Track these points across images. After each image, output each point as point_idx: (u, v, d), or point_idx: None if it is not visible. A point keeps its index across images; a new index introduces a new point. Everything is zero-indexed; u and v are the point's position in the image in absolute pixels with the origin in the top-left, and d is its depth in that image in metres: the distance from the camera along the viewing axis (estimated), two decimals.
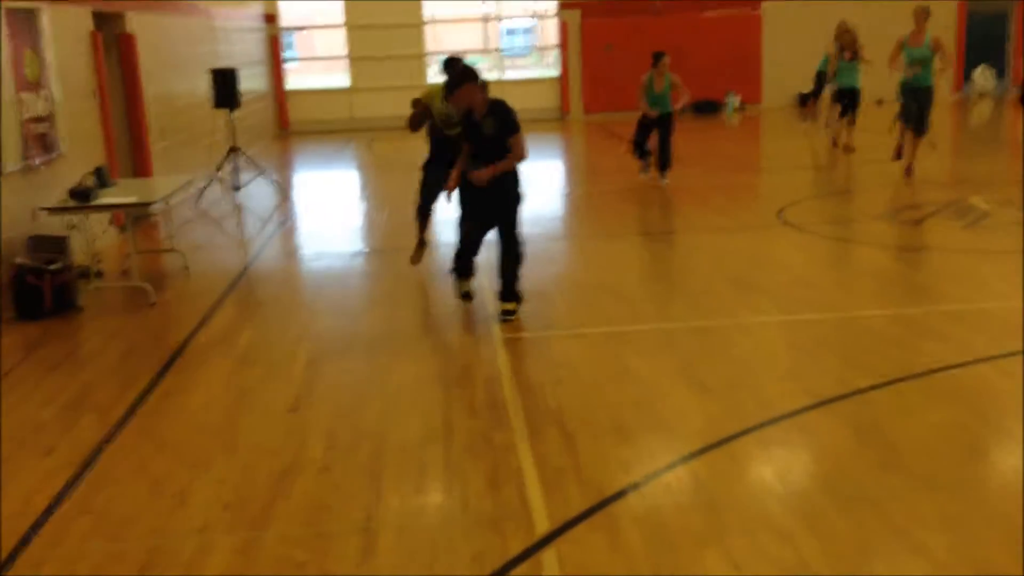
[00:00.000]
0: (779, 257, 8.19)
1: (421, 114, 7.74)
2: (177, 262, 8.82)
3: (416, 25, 21.39)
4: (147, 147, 11.47)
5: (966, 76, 21.76)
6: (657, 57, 11.65)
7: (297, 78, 22.32)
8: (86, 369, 6.12)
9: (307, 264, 9.20)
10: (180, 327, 6.98)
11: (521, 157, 6.48)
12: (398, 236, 10.04)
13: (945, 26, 20.72)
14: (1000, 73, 22.04)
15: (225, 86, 12.40)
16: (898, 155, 11.64)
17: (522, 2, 30.70)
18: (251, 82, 16.73)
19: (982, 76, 21.58)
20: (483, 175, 6.36)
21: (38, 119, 8.32)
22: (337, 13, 21.38)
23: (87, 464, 4.68)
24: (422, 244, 8.14)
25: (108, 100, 10.26)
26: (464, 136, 6.56)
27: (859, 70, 13.93)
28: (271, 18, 20.70)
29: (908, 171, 11.24)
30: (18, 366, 6.21)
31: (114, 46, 10.94)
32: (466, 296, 6.93)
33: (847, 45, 13.87)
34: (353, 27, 21.20)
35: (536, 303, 6.85)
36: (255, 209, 12.06)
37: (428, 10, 21.70)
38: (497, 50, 35.24)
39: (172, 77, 12.85)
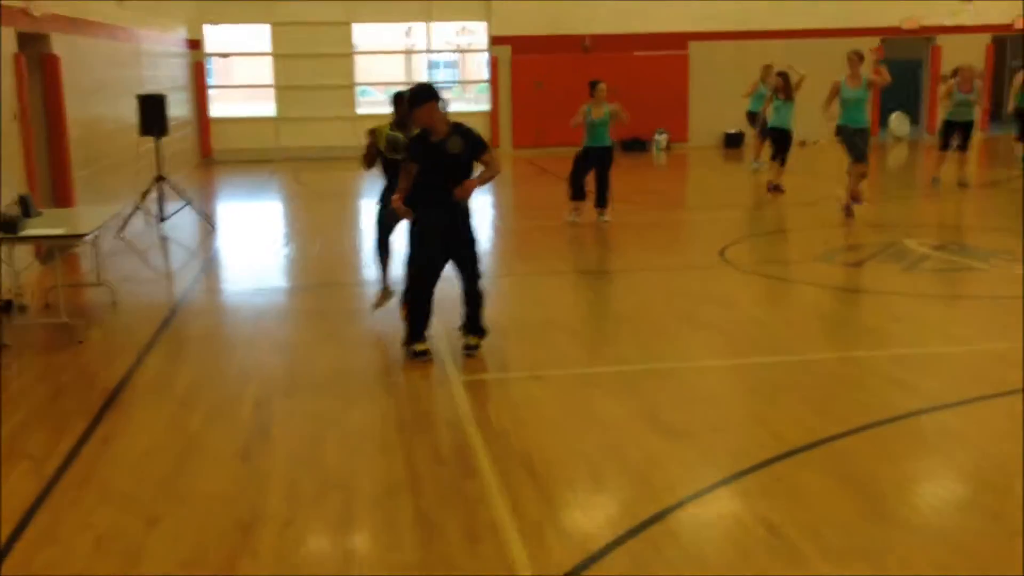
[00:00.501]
0: (727, 296, 8.18)
1: (371, 146, 7.55)
2: (104, 297, 8.40)
3: (345, 55, 21.16)
4: (69, 175, 10.98)
5: (882, 122, 22.43)
6: (593, 85, 11.60)
7: (220, 106, 21.83)
8: (14, 413, 5.70)
9: (242, 299, 8.84)
10: (113, 366, 6.59)
11: (497, 171, 6.44)
12: (334, 270, 9.82)
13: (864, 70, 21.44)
14: (914, 120, 22.80)
15: (152, 112, 11.97)
16: (848, 210, 11.71)
17: (454, 36, 30.82)
18: (174, 109, 16.25)
19: (898, 122, 22.27)
20: (468, 187, 6.19)
21: None
22: (264, 41, 21.02)
23: (24, 521, 4.31)
24: (386, 291, 7.79)
25: (30, 125, 9.80)
26: (417, 159, 6.34)
27: (792, 111, 14.19)
28: (195, 44, 20.24)
29: (853, 200, 11.48)
30: None
31: (37, 68, 10.47)
32: (423, 355, 6.46)
33: (779, 87, 14.13)
34: (280, 56, 20.86)
35: (490, 342, 6.66)
36: (182, 241, 11.63)
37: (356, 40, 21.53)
38: (385, 84, 35.02)
39: (96, 101, 12.39)
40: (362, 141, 7.55)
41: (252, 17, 20.67)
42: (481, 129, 23.19)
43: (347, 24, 20.97)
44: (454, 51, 35.87)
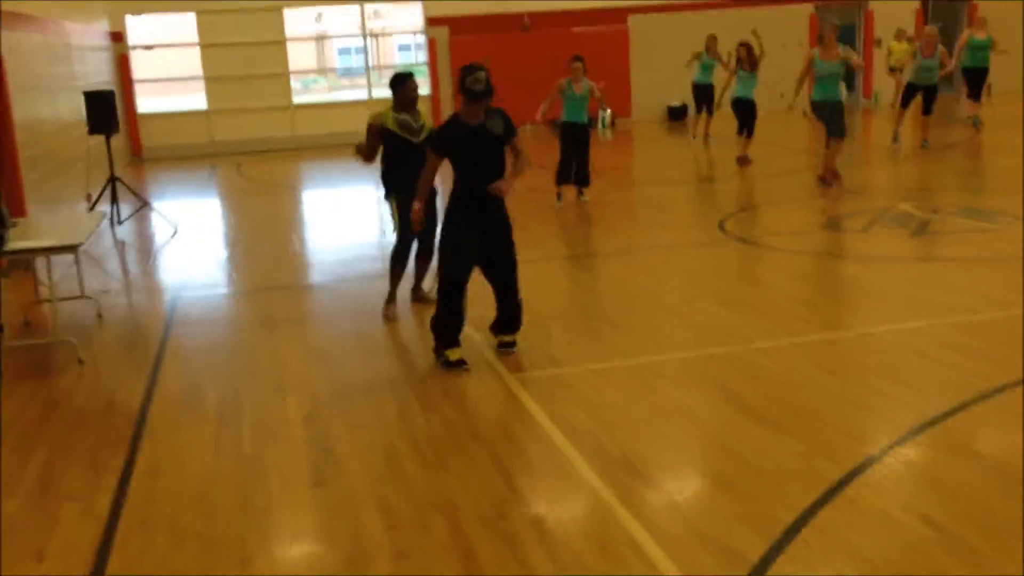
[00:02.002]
0: (751, 273, 7.96)
1: (375, 138, 7.09)
2: (86, 310, 7.76)
3: (278, 43, 20.36)
4: (20, 179, 10.18)
5: None
6: (575, 59, 11.27)
7: (147, 101, 20.78)
8: (34, 450, 5.12)
9: (239, 303, 8.27)
10: (126, 387, 6.02)
11: (528, 161, 6.06)
12: (327, 267, 9.30)
13: (798, 41, 21.58)
14: (849, 86, 23.00)
15: (101, 110, 11.22)
16: (824, 180, 11.60)
17: (372, 19, 30.04)
18: None
19: None
20: (505, 185, 5.80)
21: None
22: (190, 31, 20.07)
23: (96, 569, 3.83)
24: (394, 298, 7.31)
25: None
26: (449, 149, 5.92)
27: (755, 82, 14.08)
28: (118, 36, 19.21)
29: (829, 180, 11.38)
30: None
31: None
32: (459, 364, 5.97)
33: (742, 57, 13.98)
34: (208, 46, 19.96)
35: (524, 334, 6.29)
36: (144, 245, 10.94)
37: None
38: (332, 70, 34.26)
39: (35, 101, 11.53)
40: (346, 129, 7.07)
41: (176, 6, 19.71)
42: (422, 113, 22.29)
43: (278, 10, 20.17)
44: (362, 35, 35.20)
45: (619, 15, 21.34)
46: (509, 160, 5.96)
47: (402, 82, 7.15)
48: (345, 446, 4.93)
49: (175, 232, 11.54)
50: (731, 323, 6.61)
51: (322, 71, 37.18)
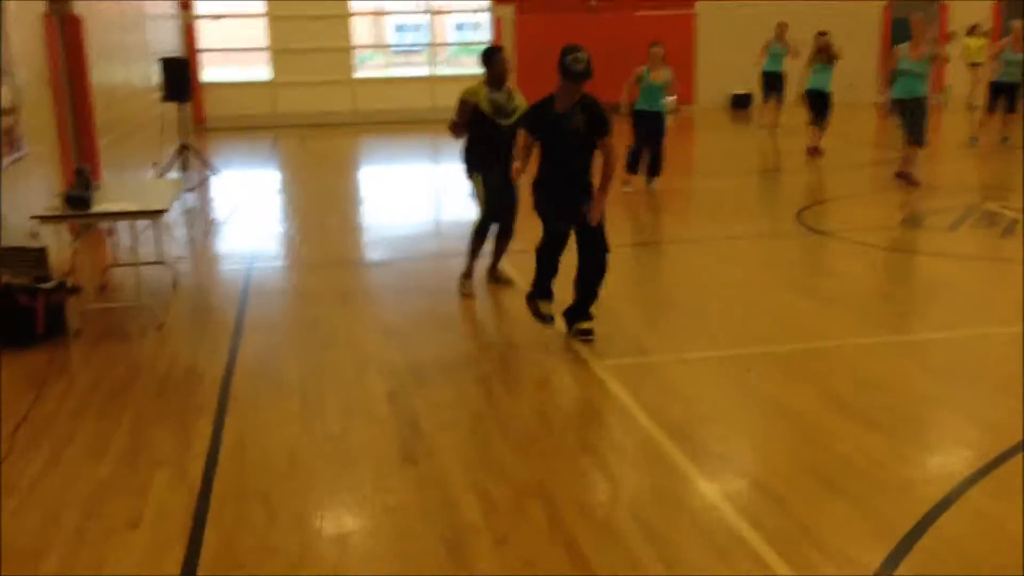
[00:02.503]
0: (834, 267, 7.75)
1: (467, 114, 6.96)
2: (162, 276, 7.75)
3: (342, 16, 20.33)
4: (96, 143, 10.23)
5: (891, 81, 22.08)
6: (654, 45, 11.09)
7: (210, 71, 20.86)
8: (122, 411, 5.11)
9: (313, 277, 8.16)
10: (208, 355, 6.00)
11: (616, 164, 5.87)
12: (399, 243, 9.21)
13: (872, 33, 21.14)
14: None
15: (176, 77, 11.27)
16: (902, 176, 11.29)
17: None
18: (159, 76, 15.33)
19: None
20: (597, 209, 5.71)
21: (6, 111, 7.16)
22: (257, 3, 20.09)
23: (195, 542, 3.78)
24: (471, 274, 7.22)
25: (61, 91, 9.06)
26: (534, 130, 5.82)
27: (831, 73, 13.73)
28: (186, 4, 19.29)
29: (908, 178, 11.04)
30: (34, 408, 5.15)
31: (59, 30, 9.68)
32: (547, 318, 6.13)
33: (822, 48, 13.65)
34: (275, 17, 19.97)
35: (606, 321, 6.16)
36: (215, 213, 10.96)
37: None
38: (388, 46, 34.16)
39: (111, 66, 11.58)
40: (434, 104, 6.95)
41: None
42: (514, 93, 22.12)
43: None
44: (423, 12, 35.06)
45: (687, 0, 21.02)
46: (600, 158, 5.80)
47: (493, 57, 7.02)
48: (431, 424, 4.84)
49: (240, 204, 11.56)
50: (818, 318, 6.44)
51: (379, 46, 37.13)
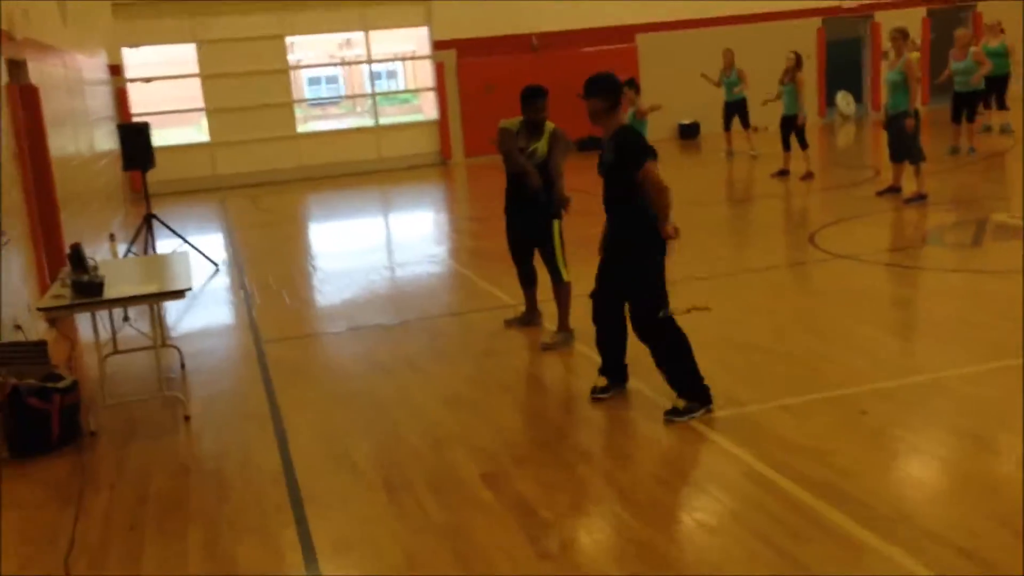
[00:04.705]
0: (892, 294, 7.44)
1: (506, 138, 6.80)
2: (167, 359, 7.06)
3: (281, 71, 19.73)
4: (59, 217, 9.47)
5: (828, 101, 22.38)
6: (628, 84, 10.88)
7: None
8: (187, 525, 4.46)
9: (335, 345, 7.44)
10: (255, 447, 5.36)
11: (659, 191, 5.19)
12: (411, 300, 8.65)
13: (807, 55, 21.33)
14: (857, 98, 22.82)
15: (136, 143, 10.51)
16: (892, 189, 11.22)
17: (336, 51, 29.56)
18: (100, 142, 14.54)
19: (843, 101, 22.25)
20: (666, 233, 5.25)
21: None
22: (189, 62, 19.36)
23: None
24: (531, 311, 7.10)
25: (26, 165, 8.32)
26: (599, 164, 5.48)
27: (794, 95, 13.60)
28: (115, 69, 18.45)
29: (913, 197, 10.87)
30: (80, 529, 4.46)
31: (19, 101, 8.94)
32: (595, 392, 5.59)
33: (788, 69, 13.56)
34: (209, 76, 19.25)
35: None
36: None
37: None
38: (302, 101, 33.60)
39: (62, 135, 10.82)
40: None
41: (175, 37, 19.00)
42: (428, 139, 22.09)
43: (280, 37, 19.54)
44: (335, 64, 34.47)
45: (627, 33, 21.00)
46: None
47: (533, 100, 6.72)
48: (549, 509, 4.31)
49: (217, 269, 10.85)
50: (906, 348, 6.11)
51: (297, 101, 36.46)
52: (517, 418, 5.61)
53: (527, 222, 6.85)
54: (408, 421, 5.57)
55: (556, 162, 6.69)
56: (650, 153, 5.23)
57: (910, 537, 3.78)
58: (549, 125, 6.76)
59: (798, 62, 13.56)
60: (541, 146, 6.74)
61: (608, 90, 5.38)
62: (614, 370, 5.64)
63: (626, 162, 5.26)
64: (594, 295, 5.62)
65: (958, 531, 3.79)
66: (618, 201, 5.39)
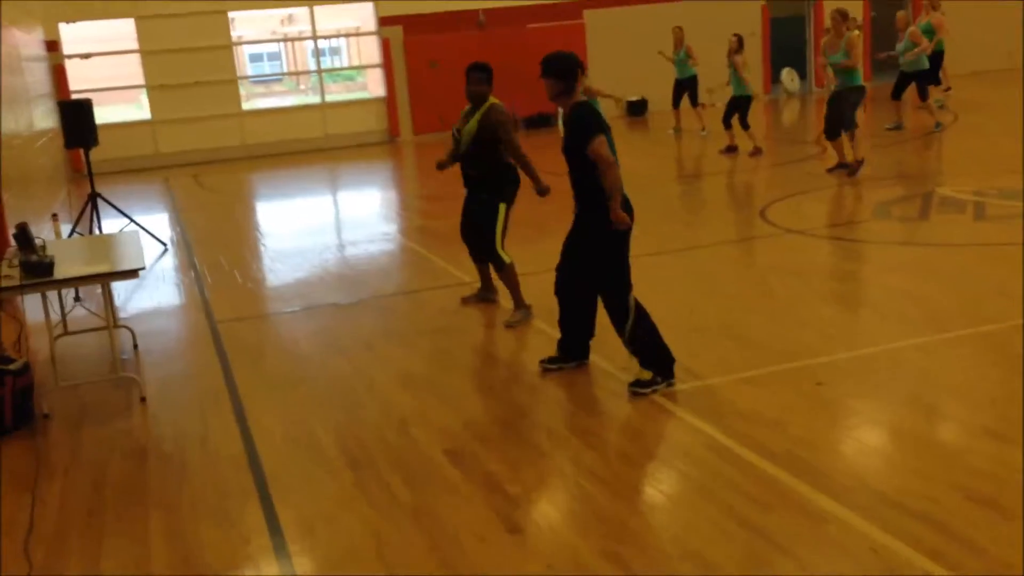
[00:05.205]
0: (840, 268, 7.55)
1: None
2: (119, 340, 6.92)
3: (224, 47, 19.37)
4: (2, 199, 9.21)
5: (774, 79, 22.61)
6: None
7: None
8: (148, 510, 4.39)
9: (292, 324, 7.37)
10: (214, 429, 5.30)
11: (607, 167, 5.12)
12: (367, 278, 8.58)
13: (751, 32, 21.50)
14: (802, 75, 23.07)
15: (79, 121, 10.27)
16: (841, 166, 11.40)
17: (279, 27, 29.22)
18: (40, 121, 14.17)
19: (788, 78, 22.49)
20: (615, 216, 5.21)
21: None
22: (127, 38, 18.92)
23: None
24: (486, 287, 7.21)
25: None
26: None
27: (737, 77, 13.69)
28: (53, 45, 17.98)
29: (847, 167, 11.12)
30: (36, 515, 4.38)
31: None
32: (544, 363, 5.72)
33: (733, 48, 13.64)
34: (150, 53, 18.84)
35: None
36: (137, 262, 10.00)
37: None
38: (246, 77, 33.19)
39: (3, 113, 10.52)
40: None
41: (113, 12, 18.55)
42: (376, 117, 21.73)
43: (223, 13, 19.18)
44: (279, 40, 33.98)
45: (575, 10, 20.97)
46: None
47: (468, 72, 6.71)
48: (516, 485, 4.34)
49: (166, 249, 10.68)
50: (858, 320, 6.22)
51: (240, 78, 35.85)
52: (477, 396, 5.62)
53: (472, 203, 6.87)
54: (368, 401, 5.55)
55: (512, 143, 6.67)
56: (601, 128, 5.20)
57: (868, 504, 3.87)
58: (492, 100, 6.72)
59: (739, 44, 13.64)
60: (471, 125, 6.68)
61: (565, 69, 5.37)
62: (574, 347, 5.68)
63: (578, 139, 5.25)
64: (558, 268, 5.63)
65: (913, 496, 3.89)
66: (577, 180, 5.40)
